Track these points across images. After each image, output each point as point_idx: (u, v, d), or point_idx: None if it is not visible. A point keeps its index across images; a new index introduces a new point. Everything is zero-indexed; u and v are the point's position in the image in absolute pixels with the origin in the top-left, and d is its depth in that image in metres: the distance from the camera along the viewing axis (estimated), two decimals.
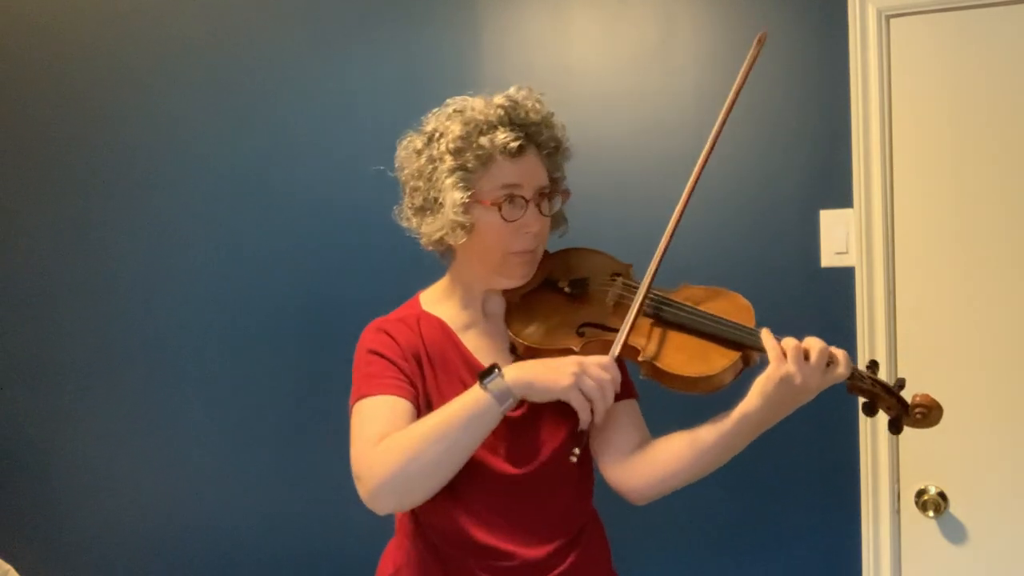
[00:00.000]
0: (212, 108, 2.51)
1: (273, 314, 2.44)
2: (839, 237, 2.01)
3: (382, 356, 1.29)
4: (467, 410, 1.17)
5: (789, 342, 1.18)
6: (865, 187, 1.97)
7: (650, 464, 1.31)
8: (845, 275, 2.01)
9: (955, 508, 1.95)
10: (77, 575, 2.61)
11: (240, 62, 2.49)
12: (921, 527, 1.97)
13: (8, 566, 2.30)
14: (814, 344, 1.18)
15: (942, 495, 1.95)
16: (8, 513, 2.67)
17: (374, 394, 1.25)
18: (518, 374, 1.18)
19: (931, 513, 1.95)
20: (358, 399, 1.26)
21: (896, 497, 1.97)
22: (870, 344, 1.97)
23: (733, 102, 1.32)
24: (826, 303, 2.01)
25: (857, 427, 1.98)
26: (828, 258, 2.02)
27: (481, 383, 1.17)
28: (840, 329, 1.99)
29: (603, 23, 2.19)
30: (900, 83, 1.97)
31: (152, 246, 2.55)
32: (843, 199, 2.00)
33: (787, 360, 1.16)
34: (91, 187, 2.61)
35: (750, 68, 1.33)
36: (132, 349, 2.57)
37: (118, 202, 2.59)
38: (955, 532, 1.95)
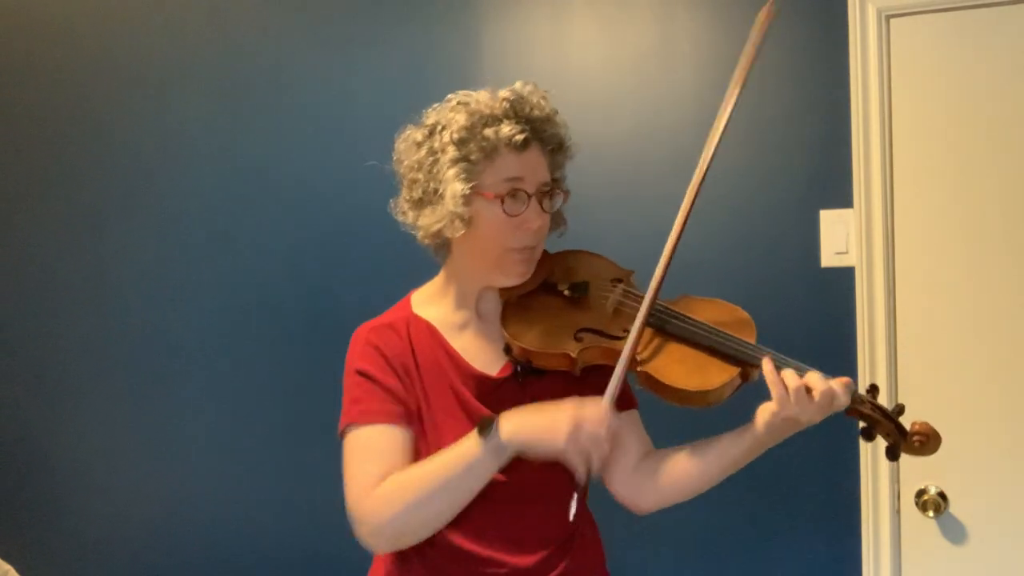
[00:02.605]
0: (213, 108, 2.51)
1: (273, 313, 2.44)
2: (839, 237, 2.01)
3: (369, 377, 1.28)
4: (464, 462, 1.17)
5: (791, 379, 1.17)
6: (865, 187, 1.97)
7: (655, 478, 1.31)
8: (845, 275, 2.01)
9: (955, 508, 1.95)
10: (77, 575, 2.61)
11: (240, 62, 2.49)
12: (921, 527, 1.97)
13: (8, 566, 2.30)
14: (817, 383, 1.16)
15: (942, 495, 1.95)
16: (8, 513, 2.67)
17: (364, 423, 1.26)
18: (514, 431, 1.16)
19: (931, 513, 1.95)
20: (348, 426, 1.27)
21: (896, 497, 1.97)
22: (870, 344, 1.97)
23: (739, 91, 1.26)
24: (826, 303, 2.01)
25: (857, 427, 1.98)
26: (828, 258, 2.02)
27: (479, 435, 1.17)
28: (840, 329, 1.99)
29: (603, 23, 2.19)
30: (900, 83, 1.97)
31: (152, 245, 2.55)
32: (843, 199, 2.00)
33: (791, 401, 1.16)
34: (91, 187, 2.61)
35: (756, 49, 1.27)
36: (132, 349, 2.57)
37: (118, 202, 2.59)
38: (955, 532, 1.95)
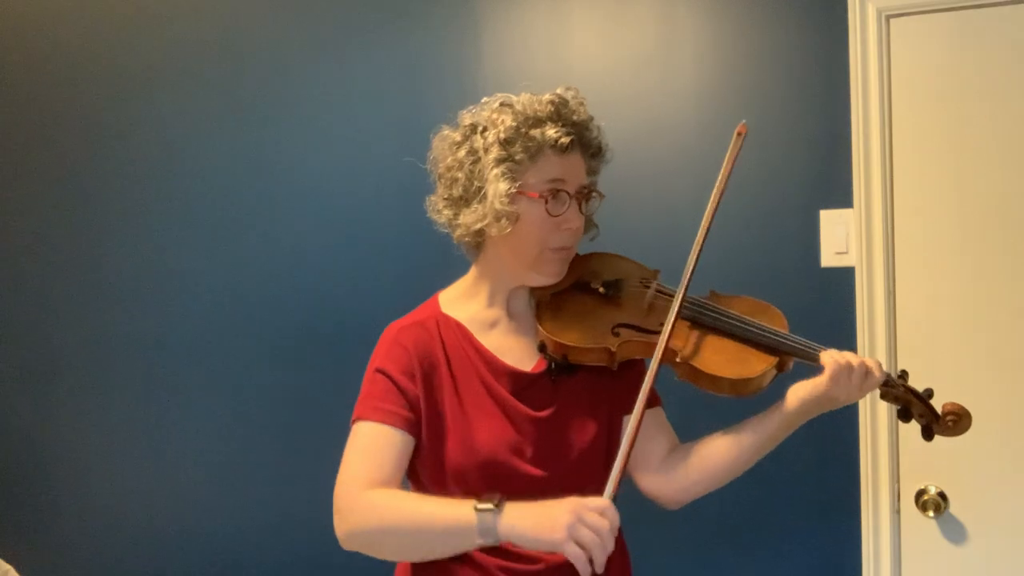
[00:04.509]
0: (213, 110, 2.51)
1: (273, 313, 2.44)
2: (839, 237, 2.01)
3: (388, 377, 1.29)
4: (452, 524, 1.15)
5: (838, 355, 1.23)
6: (865, 187, 1.97)
7: (687, 470, 1.34)
8: (845, 275, 2.01)
9: (955, 508, 1.95)
10: (77, 575, 2.61)
11: (241, 64, 2.49)
12: (921, 527, 1.97)
13: (8, 566, 2.30)
14: (854, 359, 1.23)
15: (942, 495, 1.95)
16: (8, 513, 2.67)
17: (373, 420, 1.27)
18: (512, 523, 1.12)
19: (931, 513, 1.95)
20: (357, 419, 1.29)
21: (896, 497, 1.97)
22: (870, 344, 1.97)
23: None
24: (826, 303, 2.01)
25: (857, 427, 1.98)
26: (828, 258, 2.02)
27: (476, 508, 1.13)
28: (840, 329, 1.99)
29: (603, 24, 2.19)
30: (900, 83, 1.97)
31: (151, 246, 2.55)
32: (843, 199, 2.00)
33: (844, 374, 1.22)
34: (90, 187, 2.61)
35: (732, 163, 1.34)
36: (132, 349, 2.57)
37: (117, 202, 2.59)
38: (955, 532, 1.95)
